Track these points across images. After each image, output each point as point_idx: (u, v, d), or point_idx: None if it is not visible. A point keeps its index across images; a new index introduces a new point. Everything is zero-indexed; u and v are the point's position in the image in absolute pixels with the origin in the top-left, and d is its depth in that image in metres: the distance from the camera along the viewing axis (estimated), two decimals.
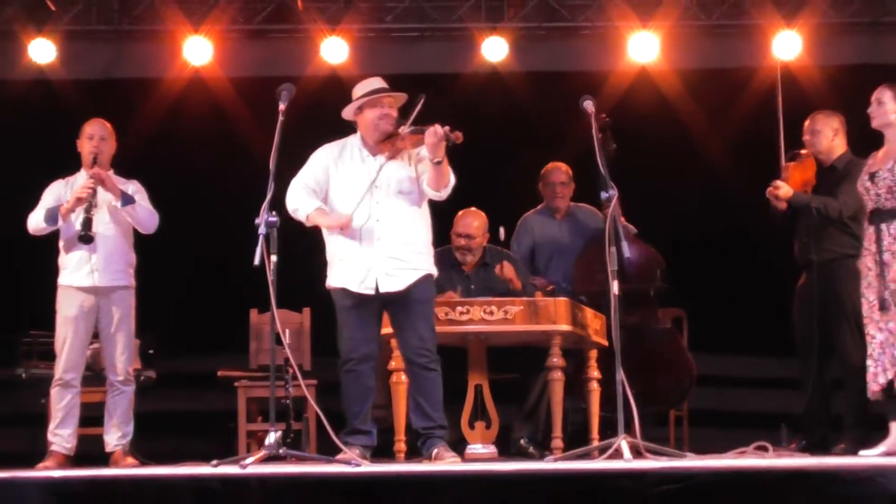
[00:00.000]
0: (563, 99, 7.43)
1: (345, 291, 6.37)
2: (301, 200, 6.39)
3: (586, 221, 8.25)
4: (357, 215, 6.33)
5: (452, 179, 6.36)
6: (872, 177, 6.32)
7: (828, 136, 7.31)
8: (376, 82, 6.55)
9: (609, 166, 6.25)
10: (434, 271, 6.53)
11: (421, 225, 6.50)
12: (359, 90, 6.53)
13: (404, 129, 6.33)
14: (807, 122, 7.39)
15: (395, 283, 6.31)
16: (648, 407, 7.55)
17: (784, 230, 7.43)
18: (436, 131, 6.11)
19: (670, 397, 8.16)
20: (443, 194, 6.39)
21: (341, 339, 6.43)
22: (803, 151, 7.39)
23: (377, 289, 6.30)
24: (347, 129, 6.58)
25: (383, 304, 6.41)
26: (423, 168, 6.38)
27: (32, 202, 7.06)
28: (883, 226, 6.25)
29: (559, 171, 8.26)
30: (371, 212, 6.34)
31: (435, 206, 6.63)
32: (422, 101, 6.27)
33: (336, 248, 6.43)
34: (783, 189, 7.18)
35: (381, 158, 6.42)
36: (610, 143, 7.87)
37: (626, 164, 7.40)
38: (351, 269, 6.35)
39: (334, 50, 9.41)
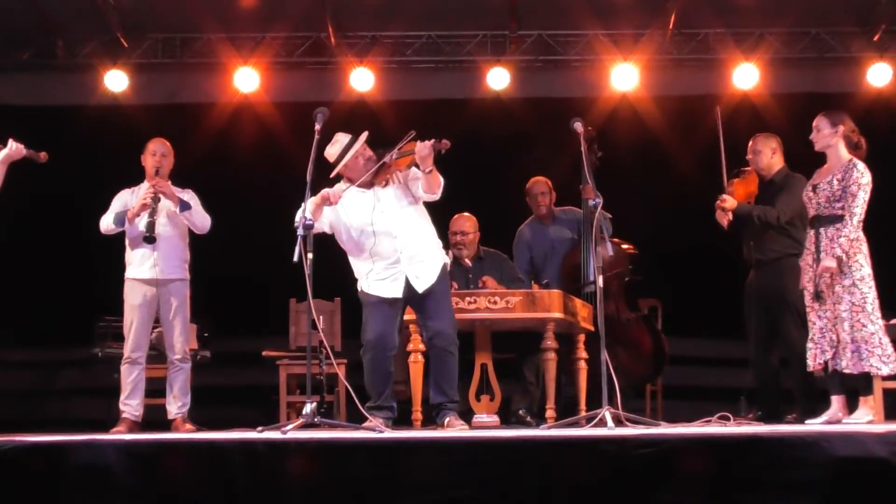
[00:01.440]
0: (556, 121, 7.41)
1: (376, 297, 6.23)
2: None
3: (570, 221, 8.23)
4: (371, 239, 6.19)
5: (442, 181, 6.15)
6: (815, 188, 6.33)
7: (767, 154, 7.33)
8: (343, 137, 6.25)
9: (594, 171, 6.24)
10: (447, 259, 6.47)
11: (425, 222, 6.37)
12: (334, 150, 6.19)
13: (391, 157, 6.11)
14: (750, 143, 7.40)
15: (422, 283, 6.21)
16: (626, 381, 7.57)
17: (731, 233, 7.44)
18: (425, 146, 5.91)
19: (643, 374, 8.15)
20: (437, 195, 6.21)
21: (366, 330, 6.28)
22: (746, 168, 7.42)
23: (406, 289, 6.20)
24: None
25: (407, 301, 6.31)
26: (414, 176, 6.20)
27: (106, 208, 7.09)
28: (822, 230, 6.24)
29: (540, 184, 8.24)
30: (386, 231, 6.19)
31: (437, 212, 6.56)
32: (411, 137, 5.99)
33: (363, 267, 6.29)
34: (728, 202, 7.17)
35: (376, 189, 6.22)
36: (595, 151, 7.85)
37: (610, 175, 7.38)
38: (383, 280, 6.23)
39: (362, 79, 9.43)
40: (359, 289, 6.36)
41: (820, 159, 6.56)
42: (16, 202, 6.63)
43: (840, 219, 6.17)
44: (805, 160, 7.25)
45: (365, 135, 6.27)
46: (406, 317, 6.48)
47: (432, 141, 5.94)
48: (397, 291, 6.21)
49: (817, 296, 6.21)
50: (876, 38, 9.30)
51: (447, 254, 6.64)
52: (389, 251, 6.21)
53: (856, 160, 6.25)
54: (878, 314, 6.12)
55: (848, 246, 6.10)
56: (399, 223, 6.23)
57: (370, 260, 6.25)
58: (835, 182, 6.21)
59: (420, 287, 6.21)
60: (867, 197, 6.17)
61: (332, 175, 6.29)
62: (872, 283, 6.16)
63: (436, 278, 6.27)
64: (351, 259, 6.36)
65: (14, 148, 6.40)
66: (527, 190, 8.28)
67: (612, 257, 7.74)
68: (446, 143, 5.96)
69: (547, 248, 8.18)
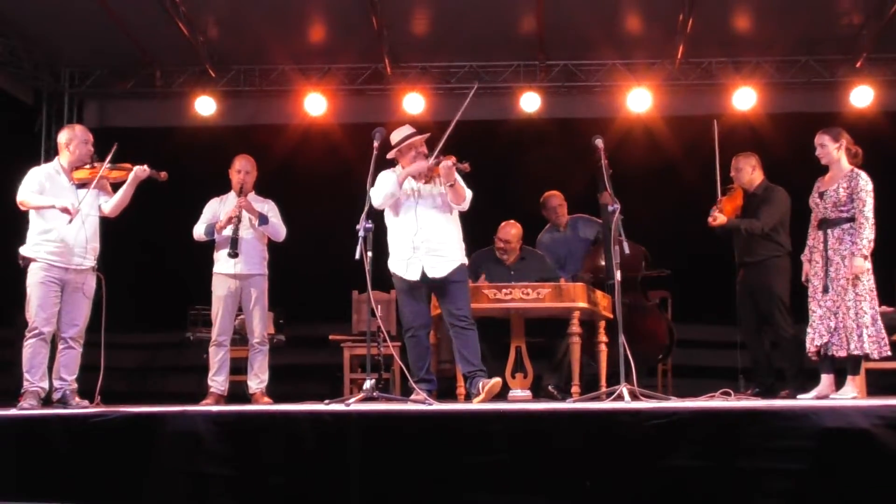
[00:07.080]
0: (579, 138, 7.37)
1: (401, 278, 6.28)
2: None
3: (586, 228, 8.19)
4: (406, 224, 6.23)
5: (468, 194, 6.18)
6: (822, 195, 6.27)
7: (748, 171, 7.32)
8: (406, 130, 6.34)
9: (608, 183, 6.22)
10: (465, 261, 6.38)
11: (453, 228, 6.32)
12: (395, 137, 6.31)
13: (431, 162, 6.13)
14: (732, 162, 7.36)
15: (436, 271, 6.19)
16: (642, 360, 7.50)
17: (722, 238, 7.38)
18: (444, 165, 5.98)
19: (655, 355, 8.09)
20: (463, 206, 6.24)
21: (401, 313, 6.36)
22: (732, 186, 7.36)
23: (423, 275, 6.20)
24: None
25: (430, 288, 6.30)
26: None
27: (197, 213, 7.14)
28: (828, 231, 6.20)
29: (555, 197, 8.21)
30: (416, 221, 6.23)
31: (479, 214, 6.53)
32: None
33: (393, 244, 6.32)
34: (719, 219, 7.16)
35: (420, 184, 6.27)
36: (608, 167, 7.81)
37: (626, 185, 7.33)
38: (405, 263, 6.24)
39: (413, 103, 9.45)
40: (389, 269, 6.33)
41: (807, 170, 6.50)
42: (124, 212, 6.67)
43: (845, 221, 6.12)
44: (794, 170, 7.21)
45: (426, 135, 6.35)
46: (437, 311, 6.48)
47: (453, 159, 5.99)
48: (415, 275, 6.20)
49: (825, 289, 6.13)
50: (858, 65, 9.23)
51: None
52: (414, 237, 6.19)
53: (857, 170, 6.21)
54: (876, 303, 6.08)
55: (869, 247, 6.05)
56: (428, 217, 6.22)
57: (403, 240, 6.24)
58: (840, 190, 6.15)
59: (432, 274, 6.18)
60: (873, 202, 6.12)
61: (389, 156, 6.32)
62: (872, 277, 6.11)
63: (449, 272, 6.21)
64: (389, 237, 6.33)
65: (140, 169, 6.44)
66: (542, 203, 8.24)
67: (629, 256, 7.69)
68: (466, 166, 6.03)
69: (563, 252, 8.13)
